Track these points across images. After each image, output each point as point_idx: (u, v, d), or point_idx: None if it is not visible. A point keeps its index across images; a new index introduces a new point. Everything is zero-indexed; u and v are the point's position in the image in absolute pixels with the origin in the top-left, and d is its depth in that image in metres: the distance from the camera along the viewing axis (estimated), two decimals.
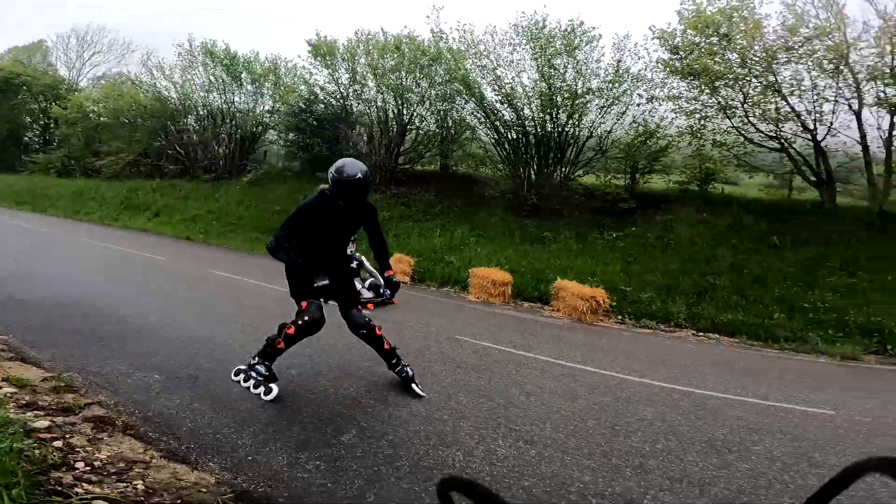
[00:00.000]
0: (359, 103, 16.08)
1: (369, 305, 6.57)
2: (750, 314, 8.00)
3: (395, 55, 14.56)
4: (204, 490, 2.56)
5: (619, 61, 12.32)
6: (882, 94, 10.21)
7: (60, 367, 4.05)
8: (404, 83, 14.69)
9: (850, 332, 7.42)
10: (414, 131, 16.06)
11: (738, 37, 11.03)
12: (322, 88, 16.54)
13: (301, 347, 5.13)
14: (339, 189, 3.65)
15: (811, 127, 11.01)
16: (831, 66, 10.52)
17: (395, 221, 13.07)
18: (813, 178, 11.29)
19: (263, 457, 2.98)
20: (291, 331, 3.70)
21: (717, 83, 11.44)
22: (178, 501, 2.42)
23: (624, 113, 12.72)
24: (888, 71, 9.97)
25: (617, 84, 12.36)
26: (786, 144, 11.42)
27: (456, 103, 14.62)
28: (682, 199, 11.94)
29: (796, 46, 10.74)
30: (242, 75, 18.69)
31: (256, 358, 3.88)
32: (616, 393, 4.57)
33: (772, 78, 11.01)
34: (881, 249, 9.02)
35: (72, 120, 23.47)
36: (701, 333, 7.77)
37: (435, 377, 4.62)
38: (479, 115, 14.21)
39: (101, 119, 23.00)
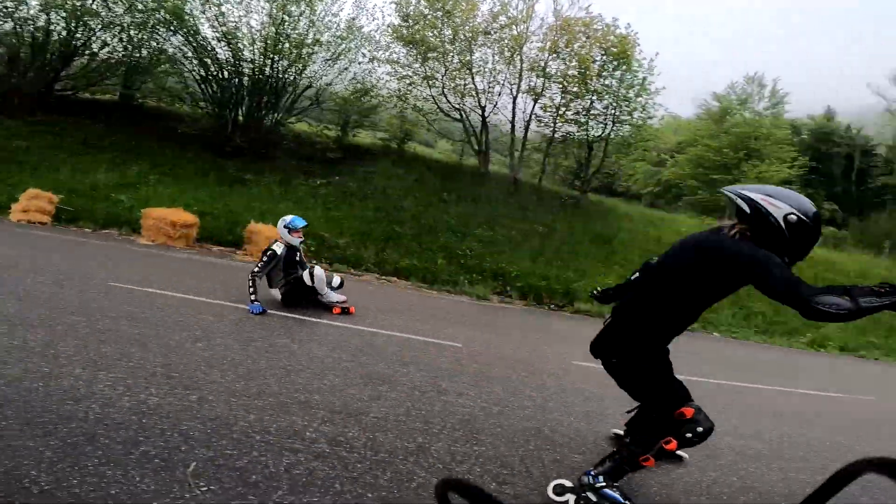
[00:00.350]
0: (6, 20, 12.13)
1: (336, 309, 5.50)
2: (423, 259, 9.24)
3: None
4: None
5: (354, 18, 12.40)
6: (532, 84, 13.20)
7: None
8: (87, 5, 11.70)
9: (485, 276, 9.14)
10: (87, 57, 12.64)
11: (457, 15, 12.36)
12: None
13: None
14: (801, 236, 2.10)
15: (483, 104, 13.48)
16: (509, 53, 12.91)
17: (36, 153, 9.97)
18: (476, 147, 13.95)
19: None
20: (673, 446, 2.37)
21: (428, 54, 12.69)
22: None
23: (346, 69, 12.91)
24: (542, 65, 12.86)
25: (347, 40, 12.39)
26: (464, 116, 13.68)
27: (159, 33, 12.20)
28: (383, 154, 13.01)
29: (493, 31, 12.74)
30: None
31: (601, 477, 2.52)
32: (293, 335, 4.64)
33: (468, 57, 12.85)
34: (512, 209, 11.91)
35: None
36: (384, 277, 8.59)
37: (71, 329, 3.81)
38: (185, 50, 12.16)
39: None
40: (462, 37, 12.73)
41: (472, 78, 13.15)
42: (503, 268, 9.47)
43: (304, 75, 12.60)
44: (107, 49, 12.97)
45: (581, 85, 12.56)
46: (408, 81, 13.25)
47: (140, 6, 11.86)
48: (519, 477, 2.80)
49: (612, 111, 13.22)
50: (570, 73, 12.70)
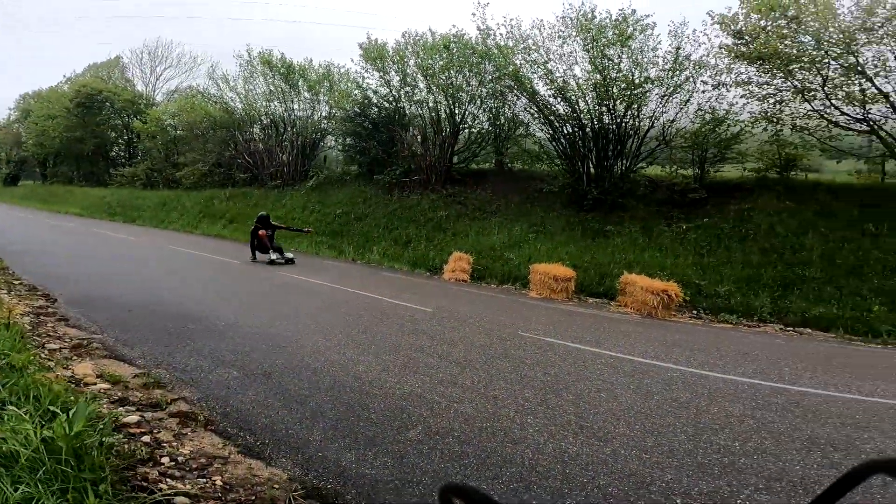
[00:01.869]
0: (411, 105, 16.21)
1: None
2: (846, 307, 7.26)
3: (445, 55, 14.52)
4: (276, 487, 2.62)
5: (677, 48, 11.67)
6: None
7: (150, 363, 4.34)
8: (455, 82, 14.68)
9: None
10: (467, 130, 16.03)
11: (808, 19, 10.19)
12: (375, 92, 16.62)
13: (368, 343, 5.27)
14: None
15: None
16: None
17: (451, 220, 13.09)
18: None
19: (332, 453, 3.06)
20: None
21: (791, 66, 10.58)
22: (253, 498, 2.48)
23: (688, 101, 12.02)
24: None
25: (677, 72, 11.71)
26: (875, 126, 10.33)
27: (508, 100, 14.41)
28: (760, 187, 11.06)
29: (876, 27, 9.75)
30: (299, 83, 19.21)
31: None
32: (696, 389, 4.32)
33: (853, 59, 10.03)
34: None
35: (151, 133, 25.15)
36: (790, 328, 7.15)
37: (500, 373, 4.55)
38: (532, 111, 13.94)
39: (178, 132, 24.64)
40: (830, 40, 9.90)
41: (871, 81, 9.89)
42: None
43: (641, 116, 12.24)
44: (477, 121, 15.58)
45: None
46: (773, 100, 11.08)
47: (488, 77, 13.87)
48: None
49: None
50: None
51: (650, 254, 9.61)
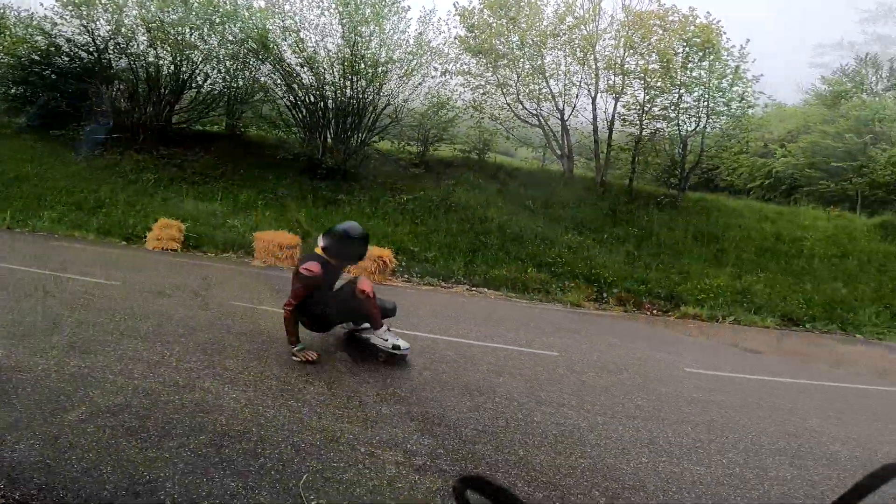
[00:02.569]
0: (122, 57, 13.66)
1: None
2: (511, 269, 9.28)
3: (181, 9, 12.53)
4: None
5: (421, 34, 12.72)
6: (611, 82, 12.78)
7: None
8: (187, 39, 12.83)
9: (578, 283, 9.00)
10: (195, 90, 14.11)
11: (522, 21, 12.45)
12: (69, 40, 13.61)
13: (11, 325, 4.18)
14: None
15: (561, 107, 13.22)
16: (581, 54, 12.69)
17: (162, 184, 11.38)
18: (559, 152, 13.70)
19: None
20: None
21: (498, 62, 12.79)
22: None
23: (420, 84, 13.25)
24: (619, 62, 12.46)
25: (417, 55, 12.75)
26: (543, 122, 13.50)
27: (250, 63, 13.32)
28: (464, 166, 13.20)
29: (561, 34, 12.64)
30: None
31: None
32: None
33: (540, 61, 12.79)
34: (600, 213, 11.53)
35: None
36: (473, 288, 8.74)
37: (200, 345, 4.27)
38: (275, 77, 13.20)
39: None
40: (530, 41, 12.68)
41: (547, 82, 13.01)
42: (597, 273, 9.29)
43: (381, 94, 13.01)
44: (209, 81, 14.20)
45: (665, 79, 12.09)
46: (482, 91, 13.41)
47: (231, 37, 12.87)
48: (631, 490, 2.70)
49: (706, 103, 12.42)
50: (650, 67, 12.21)
51: (375, 222, 10.39)
